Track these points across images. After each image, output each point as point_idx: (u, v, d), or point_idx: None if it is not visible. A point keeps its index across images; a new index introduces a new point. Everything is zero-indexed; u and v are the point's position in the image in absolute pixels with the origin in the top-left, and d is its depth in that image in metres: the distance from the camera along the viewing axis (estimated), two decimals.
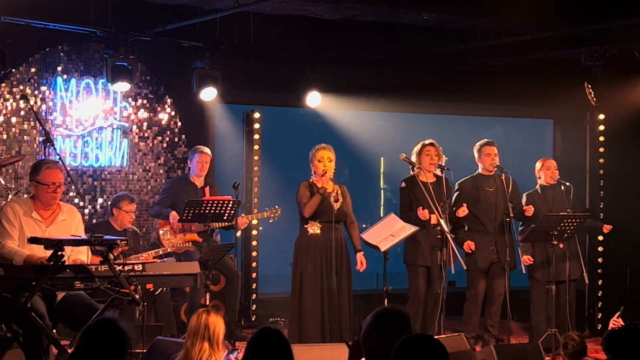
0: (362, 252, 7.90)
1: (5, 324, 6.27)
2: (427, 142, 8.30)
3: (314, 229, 7.78)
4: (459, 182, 8.52)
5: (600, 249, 10.20)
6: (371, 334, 3.90)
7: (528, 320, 8.83)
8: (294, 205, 7.94)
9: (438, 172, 8.28)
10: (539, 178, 8.67)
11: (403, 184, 8.32)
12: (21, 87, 8.48)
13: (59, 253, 5.58)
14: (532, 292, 8.69)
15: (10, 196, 7.79)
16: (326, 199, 7.75)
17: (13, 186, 8.14)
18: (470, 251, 8.34)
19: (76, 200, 8.63)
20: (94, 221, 8.71)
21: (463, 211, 8.27)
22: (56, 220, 6.25)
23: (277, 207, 8.52)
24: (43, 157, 8.04)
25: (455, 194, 8.48)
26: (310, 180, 7.86)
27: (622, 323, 4.43)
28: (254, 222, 9.26)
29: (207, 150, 8.63)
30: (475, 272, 8.38)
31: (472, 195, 8.44)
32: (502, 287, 8.40)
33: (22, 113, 8.53)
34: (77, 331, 5.91)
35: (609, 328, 4.42)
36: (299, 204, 7.80)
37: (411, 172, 8.21)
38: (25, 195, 7.20)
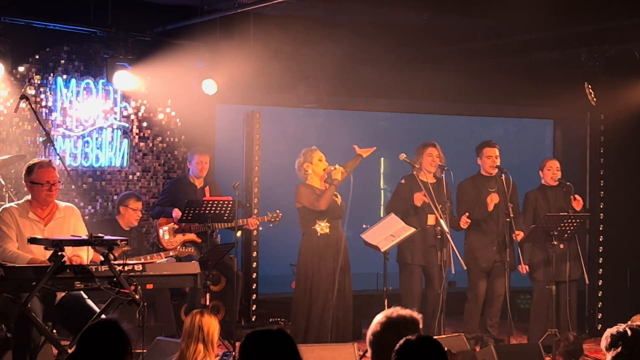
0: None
1: (5, 324, 6.29)
2: (428, 142, 8.30)
3: (322, 229, 7.75)
4: (460, 183, 8.50)
5: (600, 249, 10.20)
6: (382, 338, 3.85)
7: (528, 320, 8.83)
8: (293, 205, 7.93)
9: (437, 173, 8.29)
10: (542, 178, 8.68)
11: (402, 181, 8.33)
12: (21, 88, 8.47)
13: (59, 253, 5.58)
14: (533, 291, 8.70)
15: (10, 199, 7.78)
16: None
17: (12, 187, 8.14)
18: (466, 225, 8.29)
19: (76, 200, 8.62)
20: (94, 221, 8.71)
21: (465, 222, 8.26)
22: (53, 218, 6.26)
23: (277, 211, 8.53)
24: (43, 157, 8.05)
25: (457, 196, 8.47)
26: (310, 182, 7.81)
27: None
28: None
29: (206, 151, 8.63)
30: (476, 272, 8.38)
31: (473, 195, 8.44)
32: (503, 287, 8.41)
33: (22, 113, 8.52)
34: (74, 333, 5.94)
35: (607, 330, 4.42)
36: (308, 203, 7.70)
37: (412, 172, 8.22)
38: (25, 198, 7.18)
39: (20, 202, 6.43)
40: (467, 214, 8.29)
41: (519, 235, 8.33)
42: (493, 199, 8.23)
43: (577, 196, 8.52)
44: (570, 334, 7.81)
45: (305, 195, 7.75)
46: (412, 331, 3.83)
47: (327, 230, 7.75)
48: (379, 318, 3.93)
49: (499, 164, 8.42)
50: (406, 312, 3.95)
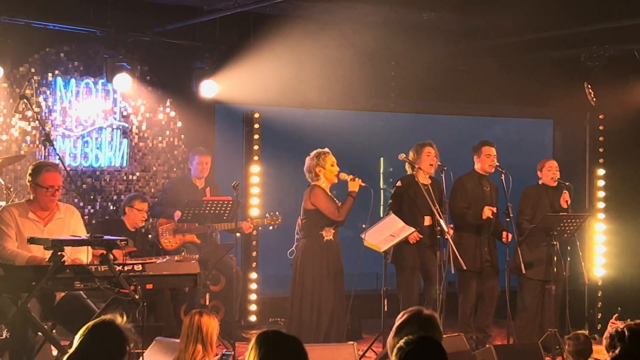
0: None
1: (5, 324, 6.28)
2: (425, 142, 8.28)
3: (328, 235, 7.73)
4: (459, 178, 8.44)
5: (600, 249, 10.19)
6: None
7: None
8: (293, 205, 7.92)
9: (433, 174, 8.28)
10: (540, 178, 8.67)
11: (399, 183, 8.30)
12: (21, 88, 8.47)
13: (59, 253, 5.57)
14: (521, 290, 8.65)
15: (12, 197, 7.79)
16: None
17: (12, 187, 8.13)
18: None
19: (75, 200, 8.63)
20: (93, 222, 8.71)
21: (491, 210, 8.21)
22: (53, 218, 6.26)
23: (277, 213, 8.51)
24: (43, 157, 8.04)
25: (453, 191, 8.41)
26: (320, 185, 7.75)
27: (620, 324, 4.42)
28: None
29: (207, 152, 8.63)
30: (467, 273, 8.30)
31: (471, 190, 8.40)
32: (497, 288, 8.40)
33: (22, 113, 8.52)
34: (73, 332, 5.93)
35: (608, 330, 4.42)
36: (325, 209, 7.63)
37: (411, 172, 8.20)
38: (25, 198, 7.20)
39: (20, 201, 6.42)
40: (494, 208, 8.22)
41: (508, 236, 8.32)
42: (487, 212, 8.19)
43: (565, 193, 8.50)
44: (581, 333, 7.78)
45: (324, 200, 7.66)
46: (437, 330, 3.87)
47: (332, 237, 7.74)
48: (403, 319, 3.90)
49: (496, 163, 8.41)
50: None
